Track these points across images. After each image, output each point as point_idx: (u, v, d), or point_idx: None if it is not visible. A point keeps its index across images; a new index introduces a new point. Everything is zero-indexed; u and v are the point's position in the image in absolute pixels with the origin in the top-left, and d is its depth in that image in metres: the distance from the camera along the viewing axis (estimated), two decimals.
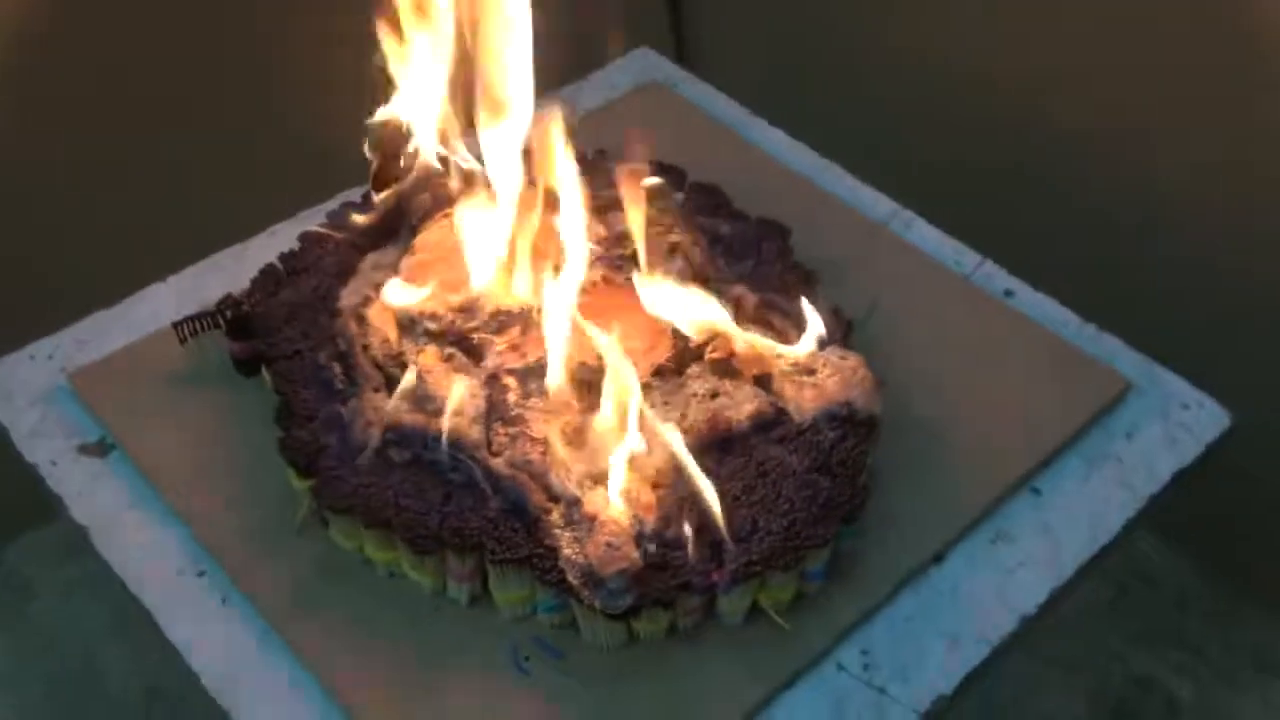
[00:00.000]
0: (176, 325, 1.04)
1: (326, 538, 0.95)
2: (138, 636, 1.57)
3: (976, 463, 1.02)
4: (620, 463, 0.87)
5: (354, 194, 1.22)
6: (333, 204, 1.23)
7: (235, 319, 1.02)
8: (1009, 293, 1.17)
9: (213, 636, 0.91)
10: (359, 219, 1.07)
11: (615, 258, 1.03)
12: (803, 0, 1.71)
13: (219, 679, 0.89)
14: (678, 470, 0.89)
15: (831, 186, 1.27)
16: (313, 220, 1.20)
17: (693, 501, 0.88)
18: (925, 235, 1.23)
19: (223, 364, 1.07)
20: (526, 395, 0.94)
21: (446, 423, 0.90)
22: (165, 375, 1.07)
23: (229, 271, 1.17)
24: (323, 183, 1.24)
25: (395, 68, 1.02)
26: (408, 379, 0.94)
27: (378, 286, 1.02)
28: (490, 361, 0.97)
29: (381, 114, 1.05)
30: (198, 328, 1.04)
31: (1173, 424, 1.07)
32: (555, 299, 0.92)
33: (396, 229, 1.08)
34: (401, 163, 1.07)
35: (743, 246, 1.09)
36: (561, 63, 1.35)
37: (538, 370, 0.95)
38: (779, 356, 0.96)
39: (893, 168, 1.31)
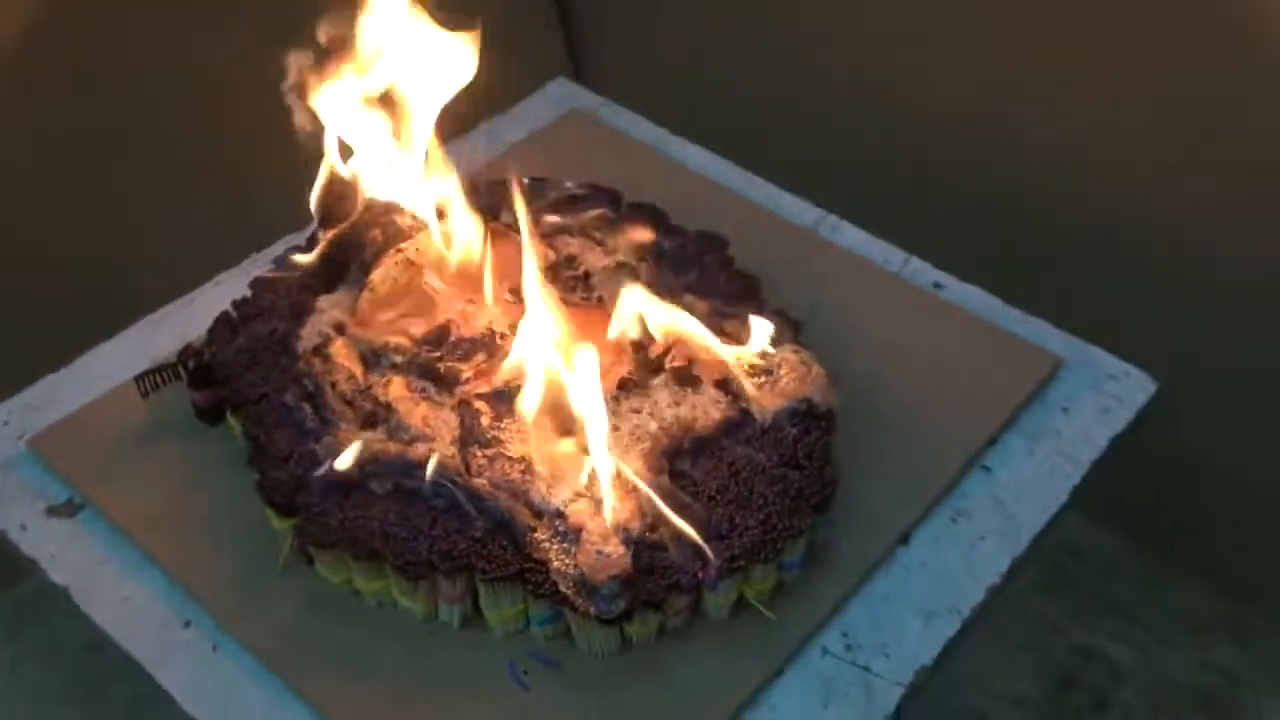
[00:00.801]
0: (138, 380, 1.05)
1: (311, 575, 0.96)
2: (92, 704, 1.56)
3: (928, 446, 1.07)
4: (605, 474, 0.90)
5: (296, 239, 1.24)
6: (275, 250, 1.25)
7: (197, 368, 1.03)
8: (938, 285, 1.23)
9: (209, 683, 0.92)
10: (308, 261, 1.09)
11: (567, 279, 1.06)
12: (690, 23, 1.77)
13: None
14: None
15: (757, 197, 1.32)
16: (257, 267, 1.21)
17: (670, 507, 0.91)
18: (852, 237, 1.28)
19: (184, 416, 1.07)
20: (499, 418, 0.97)
21: (434, 454, 0.93)
22: (127, 432, 1.07)
23: (177, 324, 1.18)
24: (263, 230, 1.26)
25: (334, 112, 1.04)
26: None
27: (336, 325, 1.04)
28: (459, 388, 0.99)
29: (327, 160, 1.07)
30: (159, 381, 1.05)
31: (1104, 395, 1.13)
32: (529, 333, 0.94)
33: (346, 268, 1.09)
34: (347, 203, 1.09)
35: (685, 260, 1.13)
36: (477, 98, 1.39)
37: (508, 394, 0.97)
38: (738, 360, 1.00)
39: (802, 173, 1.36)
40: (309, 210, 1.24)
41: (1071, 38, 1.39)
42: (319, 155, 1.11)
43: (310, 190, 1.13)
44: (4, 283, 1.41)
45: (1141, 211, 1.43)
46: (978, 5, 1.43)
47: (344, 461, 0.92)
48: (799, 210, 1.31)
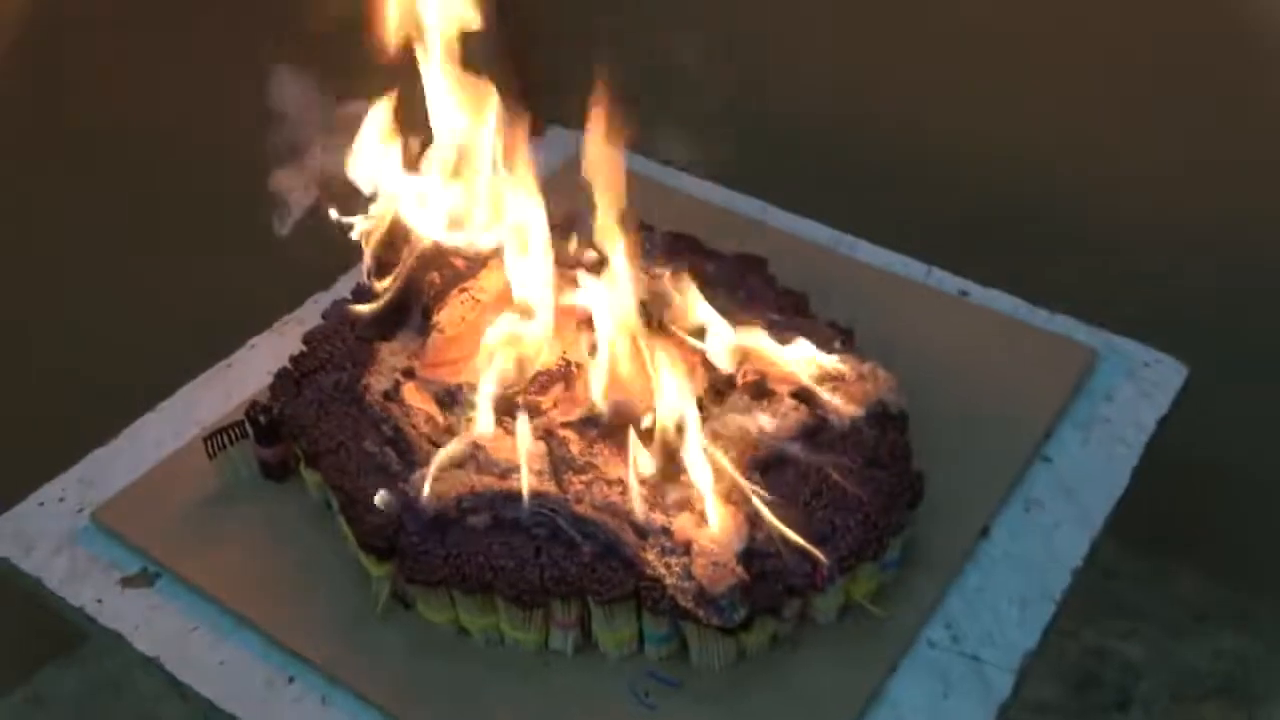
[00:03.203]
0: (206, 440, 1.03)
1: (412, 619, 0.95)
2: None
3: (989, 443, 1.09)
4: (708, 488, 0.91)
5: (325, 297, 1.23)
6: (305, 310, 1.24)
7: (268, 424, 1.01)
8: (963, 292, 1.26)
9: None
10: (364, 309, 1.08)
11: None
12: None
13: None
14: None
15: (771, 221, 1.35)
16: (289, 328, 1.21)
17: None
18: (872, 253, 1.31)
19: (248, 476, 1.06)
20: (590, 444, 0.97)
21: (526, 481, 0.92)
22: (190, 497, 1.05)
23: (219, 389, 1.16)
24: (289, 292, 1.25)
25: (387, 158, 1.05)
26: (455, 445, 0.96)
27: (405, 371, 1.04)
28: (542, 419, 0.99)
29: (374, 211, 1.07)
30: (226, 440, 1.03)
31: (1141, 381, 1.17)
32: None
33: (401, 315, 1.09)
34: (398, 252, 1.09)
35: (731, 281, 1.15)
36: None
37: (593, 420, 0.98)
38: (809, 369, 1.02)
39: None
40: (333, 268, 1.25)
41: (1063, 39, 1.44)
42: (334, 214, 1.12)
43: (330, 247, 1.13)
44: (39, 364, 1.38)
45: (1126, 200, 1.48)
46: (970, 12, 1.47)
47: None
48: (813, 231, 1.34)
